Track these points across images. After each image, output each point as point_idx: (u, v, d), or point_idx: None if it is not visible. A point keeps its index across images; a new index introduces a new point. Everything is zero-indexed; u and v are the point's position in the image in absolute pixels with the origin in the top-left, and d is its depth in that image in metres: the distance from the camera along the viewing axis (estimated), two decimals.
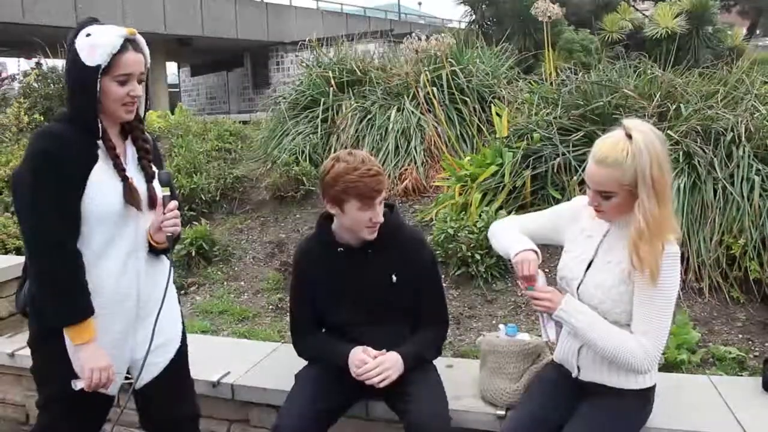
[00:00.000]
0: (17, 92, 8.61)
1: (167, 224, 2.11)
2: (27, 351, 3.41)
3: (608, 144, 2.00)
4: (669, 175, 2.02)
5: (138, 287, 2.14)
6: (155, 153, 2.27)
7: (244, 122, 8.18)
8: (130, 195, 2.06)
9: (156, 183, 2.18)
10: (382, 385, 2.32)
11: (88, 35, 1.98)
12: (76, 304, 1.99)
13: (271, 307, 4.22)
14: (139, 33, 2.07)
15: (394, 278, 2.45)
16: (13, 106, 7.32)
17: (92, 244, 2.03)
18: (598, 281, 2.14)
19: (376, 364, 2.33)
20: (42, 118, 7.12)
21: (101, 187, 2.01)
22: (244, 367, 3.08)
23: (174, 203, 2.14)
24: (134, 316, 2.16)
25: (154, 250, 2.20)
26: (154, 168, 2.21)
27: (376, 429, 2.75)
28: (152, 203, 2.15)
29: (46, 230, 1.94)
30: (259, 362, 3.14)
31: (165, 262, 2.29)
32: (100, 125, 2.02)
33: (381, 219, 2.37)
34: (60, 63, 8.29)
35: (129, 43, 2.02)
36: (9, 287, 3.72)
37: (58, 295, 1.98)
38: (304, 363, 2.61)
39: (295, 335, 2.63)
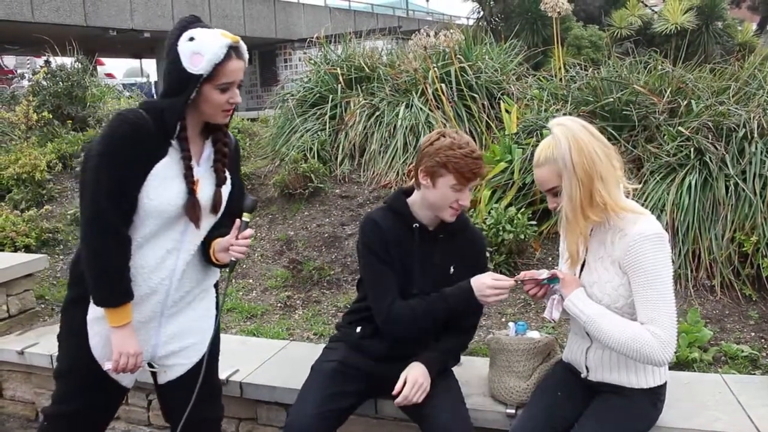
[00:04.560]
0: (26, 90, 8.62)
1: (235, 249, 2.10)
2: (36, 349, 3.45)
3: (540, 147, 2.14)
4: (597, 158, 2.04)
5: (170, 286, 2.13)
6: (234, 156, 2.26)
7: (252, 119, 8.17)
8: (191, 209, 2.06)
9: (225, 189, 2.17)
10: (422, 399, 2.31)
11: (191, 39, 1.97)
12: (119, 289, 2.01)
13: (279, 304, 4.21)
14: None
15: (452, 269, 2.43)
16: (22, 104, 7.33)
17: (136, 234, 2.04)
18: (593, 279, 2.15)
19: (411, 384, 2.30)
20: (51, 116, 7.14)
21: (161, 185, 2.00)
22: (253, 365, 3.08)
23: (249, 232, 2.12)
24: (159, 312, 2.15)
25: (211, 263, 2.21)
26: (227, 173, 2.19)
27: (385, 427, 2.74)
28: (215, 208, 2.15)
29: (104, 213, 1.95)
30: (267, 360, 3.14)
31: (211, 270, 2.28)
32: (177, 127, 2.00)
33: (467, 204, 2.35)
34: (69, 61, 8.30)
35: (233, 50, 2.00)
36: (18, 285, 3.74)
37: (104, 278, 1.99)
38: (311, 363, 2.58)
39: (382, 308, 2.37)
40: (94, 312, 2.07)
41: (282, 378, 2.89)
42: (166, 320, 2.18)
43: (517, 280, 2.25)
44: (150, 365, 2.23)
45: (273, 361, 3.13)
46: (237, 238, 2.10)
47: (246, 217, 2.13)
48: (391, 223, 2.41)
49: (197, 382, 2.21)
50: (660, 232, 2.04)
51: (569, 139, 2.04)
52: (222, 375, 2.95)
